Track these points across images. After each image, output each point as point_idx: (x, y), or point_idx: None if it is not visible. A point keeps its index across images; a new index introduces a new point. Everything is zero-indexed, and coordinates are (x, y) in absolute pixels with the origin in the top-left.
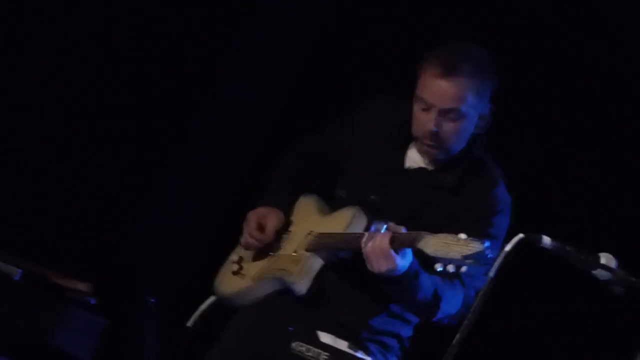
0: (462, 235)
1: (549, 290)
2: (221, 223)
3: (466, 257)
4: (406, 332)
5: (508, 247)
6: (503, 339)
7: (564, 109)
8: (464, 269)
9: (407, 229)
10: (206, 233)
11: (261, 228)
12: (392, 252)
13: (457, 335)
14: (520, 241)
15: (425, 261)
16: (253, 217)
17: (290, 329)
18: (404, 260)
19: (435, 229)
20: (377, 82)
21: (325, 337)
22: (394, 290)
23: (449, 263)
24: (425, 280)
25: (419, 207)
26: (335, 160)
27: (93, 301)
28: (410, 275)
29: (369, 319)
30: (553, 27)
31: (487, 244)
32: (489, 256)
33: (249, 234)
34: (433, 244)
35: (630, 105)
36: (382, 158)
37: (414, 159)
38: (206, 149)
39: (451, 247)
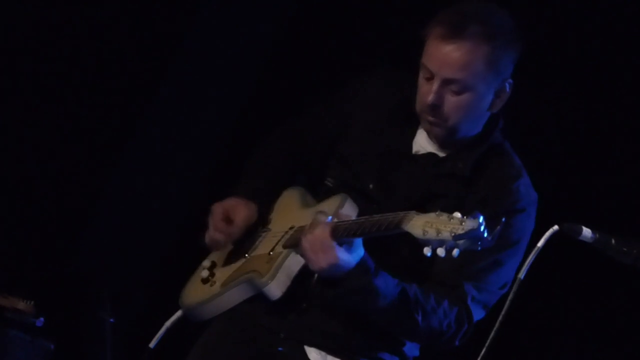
0: (457, 214)
1: (590, 291)
2: (184, 230)
3: (458, 236)
4: (411, 350)
5: (541, 243)
6: (536, 347)
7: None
8: (455, 252)
9: None
10: (169, 241)
11: (229, 221)
12: (332, 243)
13: (483, 351)
14: (555, 234)
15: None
16: (218, 208)
17: (280, 349)
18: (349, 255)
19: None
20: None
21: (314, 354)
22: (340, 292)
23: (439, 246)
24: (387, 283)
25: (424, 198)
26: (326, 145)
27: (39, 323)
28: (360, 271)
29: (364, 329)
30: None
31: (481, 219)
32: (484, 235)
33: (214, 227)
34: (422, 224)
35: None
36: (384, 140)
37: (421, 143)
38: (161, 151)
39: (442, 226)
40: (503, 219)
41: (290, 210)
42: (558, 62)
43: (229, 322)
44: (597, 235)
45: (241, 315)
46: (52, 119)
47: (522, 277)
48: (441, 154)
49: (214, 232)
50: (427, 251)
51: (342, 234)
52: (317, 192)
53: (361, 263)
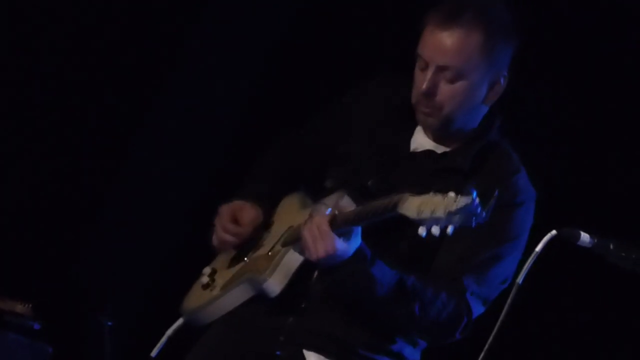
0: (451, 193)
1: (588, 297)
2: (185, 235)
3: (451, 213)
4: (411, 353)
5: (539, 248)
6: (534, 353)
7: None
8: (449, 229)
9: (407, 222)
10: (171, 246)
11: (236, 223)
12: (330, 231)
13: (481, 356)
14: (553, 239)
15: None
16: (226, 210)
17: (278, 353)
18: (347, 244)
19: None
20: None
21: (313, 359)
22: (338, 279)
23: (434, 224)
24: (384, 272)
25: (422, 193)
26: (326, 155)
27: (37, 326)
28: (357, 259)
29: (363, 330)
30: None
31: (475, 194)
32: (478, 210)
33: (222, 228)
34: (417, 205)
35: None
36: (383, 140)
37: (420, 141)
38: (163, 157)
39: (436, 205)
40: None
41: (289, 213)
42: (554, 67)
43: (228, 324)
44: (596, 240)
45: (240, 318)
46: (54, 121)
47: (520, 283)
48: (439, 151)
49: (223, 234)
50: (422, 231)
51: (339, 224)
52: (316, 195)
53: (358, 251)
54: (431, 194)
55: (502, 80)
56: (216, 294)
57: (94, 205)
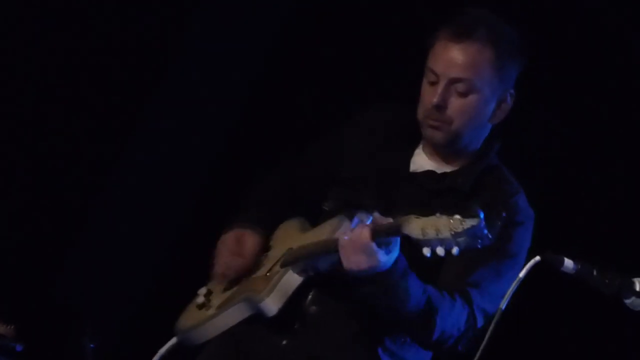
0: (457, 216)
1: (572, 324)
2: (172, 256)
3: (457, 234)
4: None
5: (522, 273)
6: None
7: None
8: (455, 250)
9: (407, 241)
10: (157, 267)
11: (237, 253)
12: (373, 245)
13: None
14: (537, 265)
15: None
16: (227, 242)
17: None
18: (388, 256)
19: None
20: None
21: None
22: (376, 293)
23: (439, 245)
24: (416, 284)
25: (423, 214)
26: (323, 184)
27: (19, 347)
28: (397, 274)
29: (358, 354)
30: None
31: (482, 215)
32: (484, 232)
33: (225, 263)
34: (421, 226)
35: None
36: (383, 162)
37: (419, 162)
38: (149, 176)
39: (442, 226)
40: (503, 214)
41: (288, 236)
42: (543, 89)
43: (223, 346)
44: (579, 266)
45: (235, 339)
46: (36, 134)
47: (503, 308)
48: (440, 171)
49: (226, 269)
50: (426, 252)
51: (381, 236)
52: (313, 219)
53: (396, 263)
54: (437, 215)
55: (508, 99)
56: (212, 313)
57: (77, 224)
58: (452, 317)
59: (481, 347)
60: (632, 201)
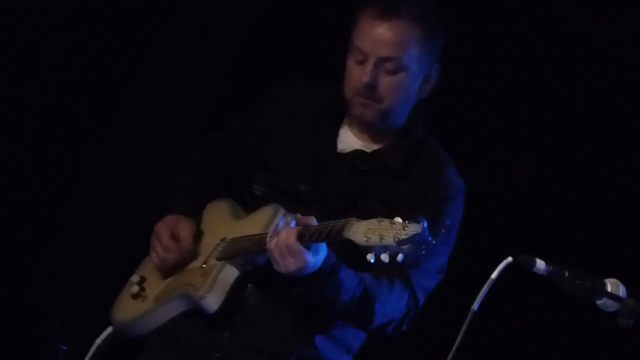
0: (398, 219)
1: (544, 325)
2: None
3: (402, 242)
4: None
5: (495, 275)
6: None
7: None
8: (400, 257)
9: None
10: (129, 268)
11: (172, 244)
12: (301, 248)
13: None
14: (509, 266)
15: (355, 254)
16: (163, 227)
17: None
18: (316, 257)
19: None
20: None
21: None
22: (307, 293)
23: (383, 252)
24: (349, 277)
25: (357, 195)
26: (248, 159)
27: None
28: (325, 272)
29: (299, 342)
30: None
31: (425, 223)
32: (429, 239)
33: (164, 247)
34: (364, 231)
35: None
36: (309, 143)
37: (347, 141)
38: (122, 177)
39: (385, 232)
40: (448, 222)
41: (221, 222)
42: (509, 81)
43: (164, 347)
44: (551, 268)
45: (175, 337)
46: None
47: (475, 309)
48: (369, 150)
49: (165, 253)
50: (370, 258)
51: (307, 240)
52: (245, 202)
53: (327, 260)
54: (378, 219)
55: (434, 72)
56: (150, 307)
57: (47, 227)
58: (391, 302)
59: (454, 349)
60: (604, 202)
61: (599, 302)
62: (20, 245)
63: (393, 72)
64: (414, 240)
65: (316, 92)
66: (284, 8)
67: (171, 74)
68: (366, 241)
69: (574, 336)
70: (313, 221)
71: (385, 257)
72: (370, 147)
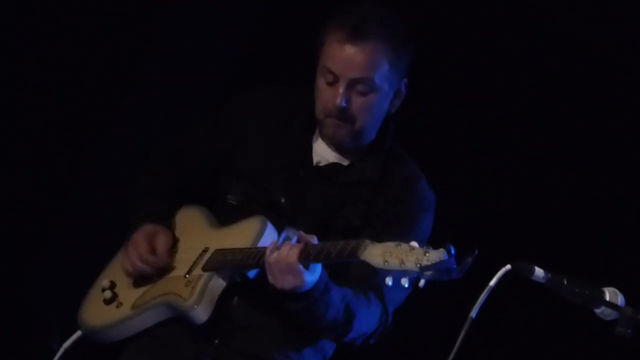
0: (415, 244)
1: (542, 333)
2: None
3: (425, 267)
4: None
5: (493, 282)
6: None
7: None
8: (422, 282)
9: (320, 235)
10: None
11: (151, 253)
12: (300, 267)
13: None
14: (507, 273)
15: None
16: (142, 238)
17: None
18: (312, 276)
19: (352, 231)
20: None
21: None
22: (299, 308)
23: (403, 276)
24: (335, 294)
25: (334, 207)
26: (214, 164)
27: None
28: (319, 291)
29: (288, 347)
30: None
31: (453, 250)
32: (454, 267)
33: (141, 259)
34: (381, 253)
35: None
36: (284, 153)
37: (321, 153)
38: (118, 177)
39: (404, 256)
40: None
41: (198, 231)
42: (509, 88)
43: (145, 350)
44: (550, 275)
45: (160, 342)
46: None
47: (473, 316)
48: (345, 162)
49: (142, 264)
50: (388, 281)
51: (307, 260)
52: (218, 211)
53: (320, 280)
54: (395, 242)
55: (403, 87)
56: (127, 313)
57: (42, 226)
58: (367, 318)
59: (452, 356)
60: (603, 210)
61: (597, 310)
62: (15, 245)
63: (364, 93)
64: (437, 266)
65: (287, 100)
66: (284, 8)
67: (168, 79)
68: (384, 264)
69: (572, 344)
70: (314, 240)
71: (405, 282)
72: (344, 159)
